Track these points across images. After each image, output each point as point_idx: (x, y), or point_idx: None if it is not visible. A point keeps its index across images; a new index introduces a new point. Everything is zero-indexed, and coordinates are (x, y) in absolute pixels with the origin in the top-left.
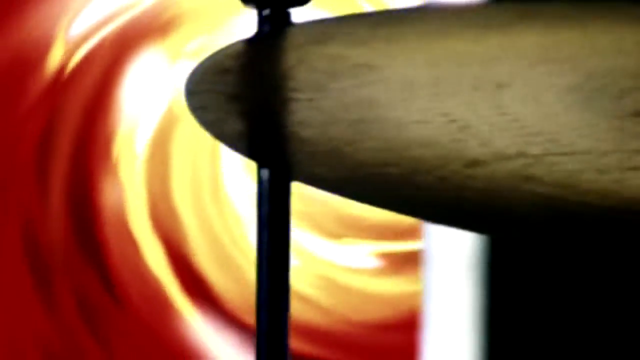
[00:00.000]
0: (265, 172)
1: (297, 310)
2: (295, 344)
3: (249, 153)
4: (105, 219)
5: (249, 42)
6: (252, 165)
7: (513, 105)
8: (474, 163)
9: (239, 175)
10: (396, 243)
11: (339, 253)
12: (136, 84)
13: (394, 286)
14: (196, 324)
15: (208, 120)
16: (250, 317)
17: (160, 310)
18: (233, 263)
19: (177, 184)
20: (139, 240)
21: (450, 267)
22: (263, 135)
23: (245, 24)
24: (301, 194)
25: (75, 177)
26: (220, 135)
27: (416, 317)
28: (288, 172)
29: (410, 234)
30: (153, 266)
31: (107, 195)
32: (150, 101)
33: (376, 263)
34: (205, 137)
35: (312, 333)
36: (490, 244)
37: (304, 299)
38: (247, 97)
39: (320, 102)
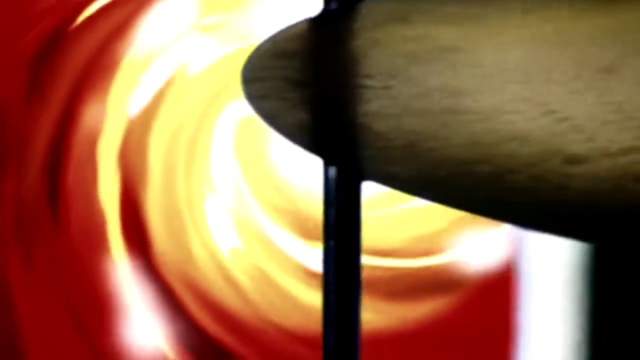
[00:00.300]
0: (333, 170)
1: (221, 290)
2: (207, 321)
3: (314, 148)
4: (77, 139)
5: (315, 21)
6: (242, 145)
7: (619, 93)
8: (575, 160)
9: (226, 150)
10: (370, 257)
11: (303, 254)
12: (155, 30)
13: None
14: (123, 269)
15: (267, 110)
16: (177, 282)
17: (93, 243)
18: (181, 227)
19: (157, 133)
20: (100, 169)
21: (547, 278)
22: (330, 128)
23: (276, 5)
24: (286, 192)
25: (66, 89)
26: (281, 127)
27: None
28: (358, 170)
29: (392, 252)
30: (103, 199)
31: (88, 118)
32: (162, 53)
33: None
34: (200, 107)
35: (225, 318)
36: (593, 252)
37: (232, 284)
38: (312, 84)
39: (397, 89)
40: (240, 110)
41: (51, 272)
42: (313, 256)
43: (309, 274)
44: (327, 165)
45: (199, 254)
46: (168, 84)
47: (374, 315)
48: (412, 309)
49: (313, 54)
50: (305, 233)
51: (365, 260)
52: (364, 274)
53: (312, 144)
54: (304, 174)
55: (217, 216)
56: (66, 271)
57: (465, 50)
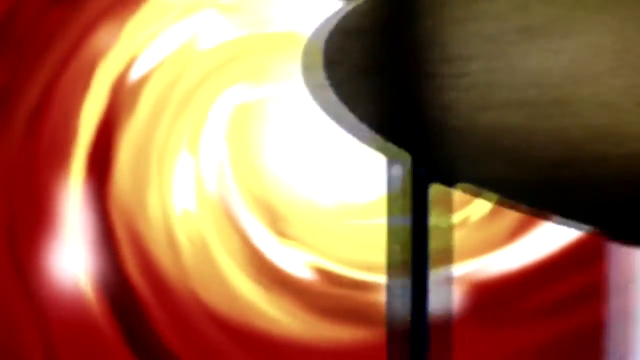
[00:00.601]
0: (398, 169)
1: (158, 246)
2: (133, 270)
3: (379, 144)
4: (82, 55)
5: None
6: (235, 128)
7: None
8: None
9: (219, 128)
10: (337, 264)
11: (263, 245)
12: None
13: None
14: (74, 193)
15: (328, 101)
16: (120, 224)
17: (56, 158)
18: (145, 174)
19: (155, 83)
20: (90, 91)
21: None
22: (398, 122)
23: None
24: (267, 182)
25: (89, 11)
26: (343, 121)
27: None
28: (429, 170)
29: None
30: (83, 120)
31: (100, 40)
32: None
33: (307, 275)
34: (199, 79)
35: (151, 273)
36: None
37: (172, 244)
38: (379, 71)
39: (476, 77)
40: (241, 94)
41: (4, 172)
42: (271, 250)
43: (255, 264)
44: (392, 163)
45: (152, 205)
46: (178, 48)
47: (295, 321)
48: (332, 329)
49: (381, 34)
50: (275, 227)
51: (328, 265)
52: (316, 275)
53: (377, 140)
54: (291, 168)
55: (184, 178)
56: (20, 176)
57: (555, 32)
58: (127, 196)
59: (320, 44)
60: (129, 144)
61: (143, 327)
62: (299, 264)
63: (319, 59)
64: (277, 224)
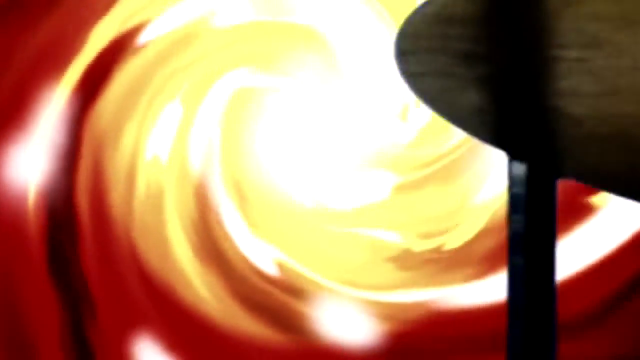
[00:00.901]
0: (521, 168)
1: (117, 184)
2: (83, 198)
3: (494, 139)
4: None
5: None
6: (232, 112)
7: None
8: None
9: (216, 107)
10: (297, 263)
11: (230, 229)
12: None
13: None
14: (55, 107)
15: (429, 90)
16: (88, 149)
17: (50, 70)
18: (128, 112)
19: (162, 38)
20: (103, 20)
21: None
22: (512, 112)
23: None
24: (253, 183)
25: None
26: (448, 111)
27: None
28: (553, 165)
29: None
30: (92, 39)
31: None
32: None
33: (273, 271)
34: (203, 54)
35: (99, 206)
36: None
37: (129, 184)
38: (487, 57)
39: (598, 62)
40: (245, 78)
41: None
42: (229, 231)
43: (200, 235)
44: (513, 160)
45: (126, 141)
46: (194, 19)
47: (218, 303)
48: (252, 323)
49: (487, 18)
50: (244, 212)
51: (288, 261)
52: (272, 268)
53: (490, 134)
54: (278, 162)
55: (166, 129)
56: (10, 72)
57: None
58: (104, 124)
59: (416, 31)
60: (124, 78)
61: (70, 253)
62: (255, 253)
63: (416, 46)
64: (246, 209)
